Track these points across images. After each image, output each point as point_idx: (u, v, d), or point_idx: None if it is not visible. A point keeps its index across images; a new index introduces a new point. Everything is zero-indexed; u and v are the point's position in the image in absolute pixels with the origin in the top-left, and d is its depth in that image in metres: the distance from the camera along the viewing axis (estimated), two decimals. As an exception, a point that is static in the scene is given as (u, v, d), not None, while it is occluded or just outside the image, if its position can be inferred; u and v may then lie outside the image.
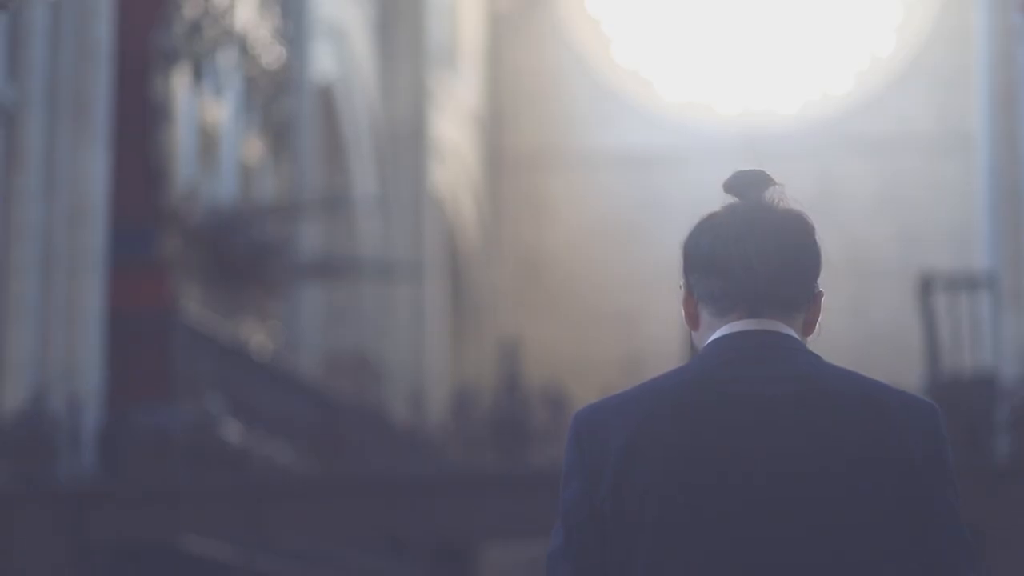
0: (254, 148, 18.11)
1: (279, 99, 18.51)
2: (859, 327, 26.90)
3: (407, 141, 23.78)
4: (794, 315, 2.48)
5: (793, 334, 2.46)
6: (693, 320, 2.51)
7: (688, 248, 2.50)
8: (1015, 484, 11.98)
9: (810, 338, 2.51)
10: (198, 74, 16.48)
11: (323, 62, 20.98)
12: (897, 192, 27.33)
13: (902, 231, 27.16)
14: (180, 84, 16.04)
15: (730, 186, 2.52)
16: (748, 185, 2.51)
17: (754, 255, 2.45)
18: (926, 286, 16.15)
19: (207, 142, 16.85)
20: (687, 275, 2.50)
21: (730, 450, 2.36)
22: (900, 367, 20.38)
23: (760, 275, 2.45)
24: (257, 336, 17.35)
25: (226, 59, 17.20)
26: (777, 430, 2.36)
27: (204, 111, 16.77)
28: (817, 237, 2.50)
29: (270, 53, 18.33)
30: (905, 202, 27.24)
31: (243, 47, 17.58)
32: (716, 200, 2.53)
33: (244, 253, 16.96)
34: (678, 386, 2.42)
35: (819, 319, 2.51)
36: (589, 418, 2.43)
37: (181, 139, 16.04)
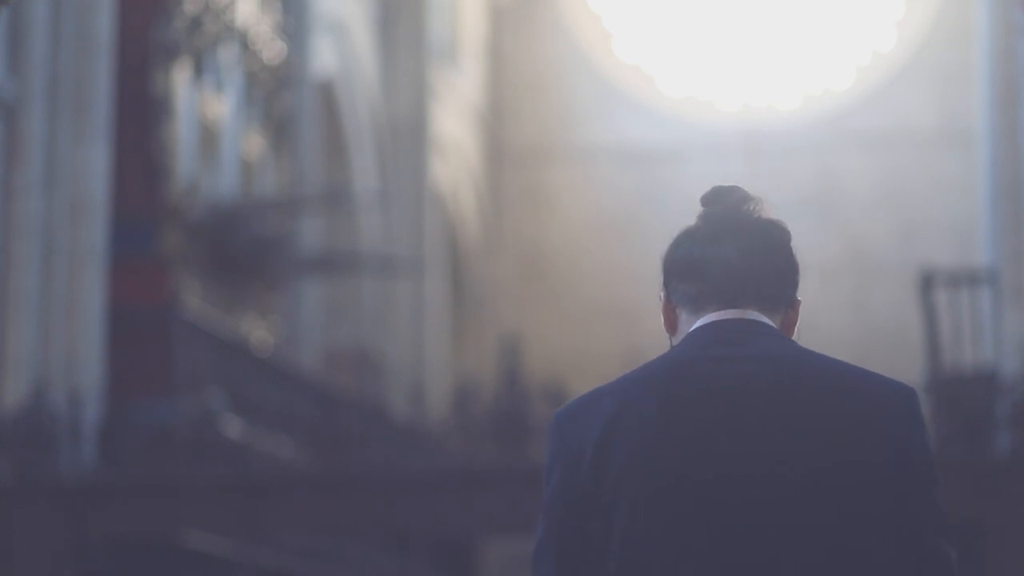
0: (255, 143, 18.11)
1: (280, 94, 18.50)
2: (859, 323, 26.90)
3: (408, 136, 23.78)
4: (771, 313, 2.49)
5: (768, 321, 2.48)
6: (672, 325, 2.55)
7: (666, 257, 2.56)
8: (1015, 480, 11.98)
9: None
10: (199, 69, 16.48)
11: (324, 57, 20.97)
12: (898, 188, 27.32)
13: (903, 227, 27.15)
14: (181, 79, 16.04)
15: (707, 199, 2.57)
16: (724, 196, 2.57)
17: (731, 253, 2.49)
18: (927, 282, 16.14)
19: (208, 137, 16.85)
20: (666, 283, 2.55)
21: (706, 432, 2.37)
22: (900, 363, 20.35)
23: (737, 271, 2.48)
24: (258, 331, 17.35)
25: (227, 54, 17.19)
26: (753, 411, 2.38)
27: (205, 106, 16.76)
28: (793, 247, 2.54)
29: (271, 48, 18.32)
30: (906, 198, 27.24)
31: (244, 42, 17.57)
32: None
33: (245, 248, 16.96)
34: (655, 372, 2.44)
35: (796, 326, 2.53)
36: (568, 414, 2.47)
37: (182, 134, 16.03)
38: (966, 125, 23.87)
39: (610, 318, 26.91)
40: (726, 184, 2.59)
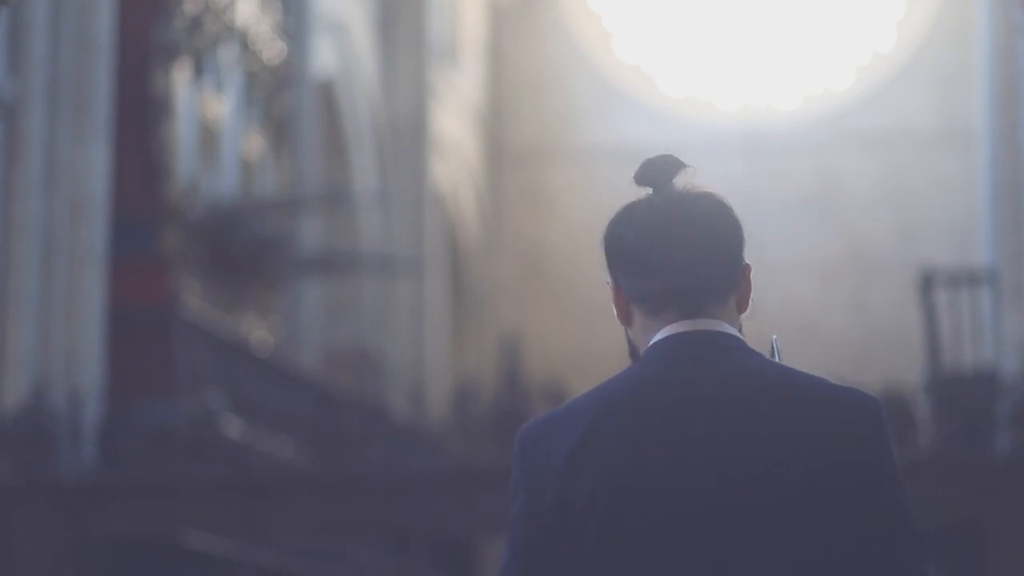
0: (255, 143, 18.10)
1: (280, 94, 18.50)
2: (860, 323, 26.90)
3: (408, 136, 23.78)
4: (727, 301, 2.46)
5: (731, 331, 2.44)
6: (625, 316, 2.50)
7: (609, 245, 2.48)
8: (1015, 480, 11.98)
9: (744, 315, 2.48)
10: (199, 69, 16.48)
11: (324, 57, 20.97)
12: (898, 188, 27.32)
13: (903, 227, 27.15)
14: (181, 79, 16.04)
15: (642, 178, 2.48)
16: (660, 174, 2.47)
17: (679, 251, 2.43)
18: (927, 282, 16.15)
19: (208, 137, 16.85)
20: (612, 271, 2.49)
21: (673, 454, 2.34)
22: (900, 363, 20.37)
23: (688, 271, 2.43)
24: (258, 331, 17.35)
25: (227, 54, 17.19)
26: (720, 432, 2.35)
27: (205, 106, 16.76)
28: (736, 214, 2.47)
29: (271, 48, 18.32)
30: (906, 198, 27.24)
31: (244, 42, 17.57)
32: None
33: (245, 248, 16.96)
34: (624, 392, 2.40)
35: (751, 295, 2.49)
36: (533, 432, 2.42)
37: (182, 134, 16.03)
38: (966, 125, 23.87)
39: (610, 318, 26.64)
40: (655, 158, 2.49)
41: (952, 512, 11.52)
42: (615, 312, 2.51)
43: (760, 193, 25.70)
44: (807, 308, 26.19)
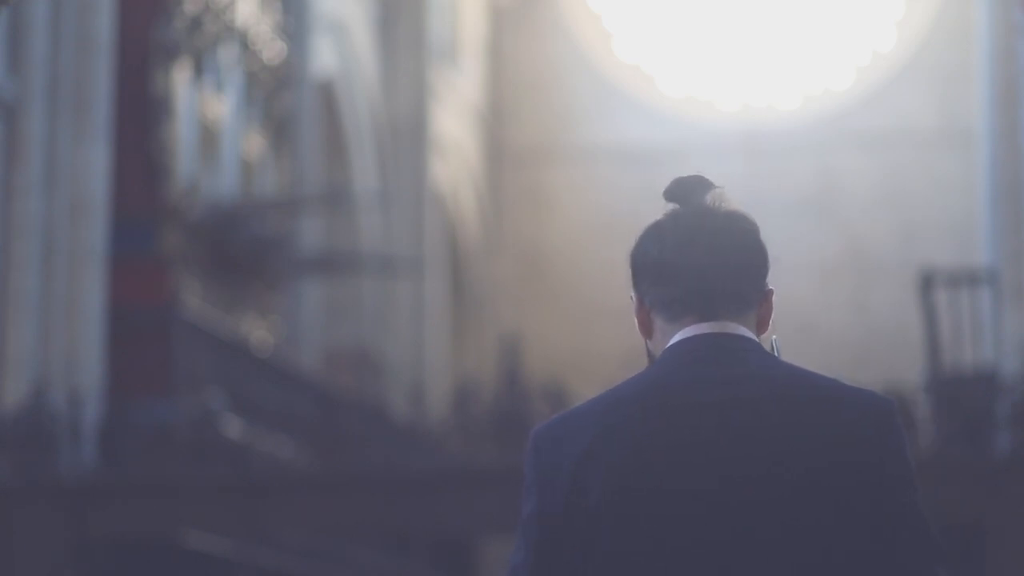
0: (255, 143, 18.10)
1: (280, 94, 18.50)
2: (860, 323, 26.90)
3: (408, 136, 23.78)
4: (746, 314, 2.49)
5: (748, 334, 2.47)
6: (646, 328, 2.53)
7: (635, 258, 2.53)
8: (1015, 480, 11.98)
9: (763, 336, 2.51)
10: (199, 69, 16.48)
11: (324, 57, 20.97)
12: (898, 188, 27.32)
13: (903, 227, 27.15)
14: (181, 79, 16.04)
15: (671, 193, 2.54)
16: (689, 191, 2.53)
17: (701, 257, 2.46)
18: (927, 282, 16.15)
19: (208, 137, 16.85)
20: (637, 285, 2.52)
21: (675, 458, 2.36)
22: (901, 363, 20.37)
23: (709, 276, 2.46)
24: (258, 331, 17.35)
25: (227, 54, 17.19)
26: (732, 433, 2.36)
27: (205, 106, 16.76)
28: (761, 235, 2.51)
29: (271, 48, 18.32)
30: (906, 198, 27.24)
31: (244, 42, 17.57)
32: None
33: (245, 248, 16.96)
34: (634, 395, 2.42)
35: (771, 316, 2.51)
36: (546, 434, 2.45)
37: (182, 134, 16.03)
38: (966, 125, 23.86)
39: (610, 318, 26.87)
40: (687, 176, 2.55)
41: (952, 512, 11.52)
42: (636, 324, 2.54)
43: (760, 193, 25.68)
44: (807, 308, 26.18)
